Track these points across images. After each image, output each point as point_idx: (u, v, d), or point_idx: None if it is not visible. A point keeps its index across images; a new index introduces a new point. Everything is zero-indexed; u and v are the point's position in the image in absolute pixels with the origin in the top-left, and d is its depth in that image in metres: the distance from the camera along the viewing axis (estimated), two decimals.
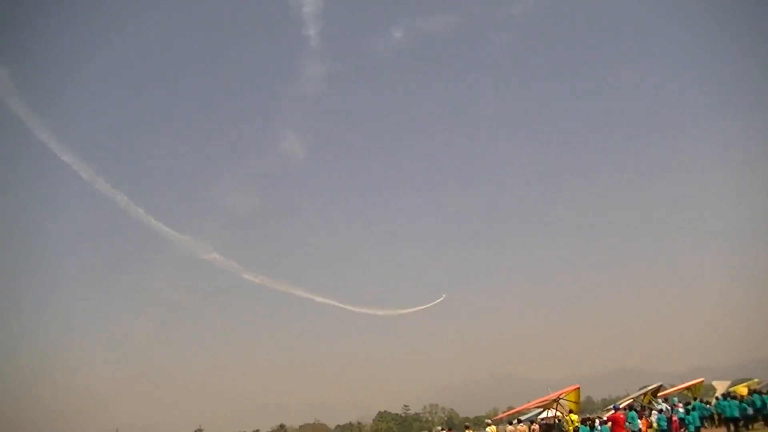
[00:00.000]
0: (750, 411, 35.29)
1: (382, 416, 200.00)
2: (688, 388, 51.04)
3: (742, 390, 44.92)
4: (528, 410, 47.58)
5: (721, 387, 51.22)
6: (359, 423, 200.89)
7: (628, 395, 59.25)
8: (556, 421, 39.71)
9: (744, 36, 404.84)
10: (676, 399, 45.12)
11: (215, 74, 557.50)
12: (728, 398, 36.96)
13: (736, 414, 34.62)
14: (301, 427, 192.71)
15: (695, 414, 37.29)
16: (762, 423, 36.03)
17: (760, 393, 39.24)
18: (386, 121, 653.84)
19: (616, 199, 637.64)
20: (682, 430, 38.08)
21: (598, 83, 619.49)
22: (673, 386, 56.08)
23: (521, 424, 43.08)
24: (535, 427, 41.96)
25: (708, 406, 40.72)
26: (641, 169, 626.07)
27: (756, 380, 56.34)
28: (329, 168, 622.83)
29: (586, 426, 31.98)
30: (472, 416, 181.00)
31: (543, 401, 40.75)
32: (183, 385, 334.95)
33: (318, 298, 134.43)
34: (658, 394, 47.75)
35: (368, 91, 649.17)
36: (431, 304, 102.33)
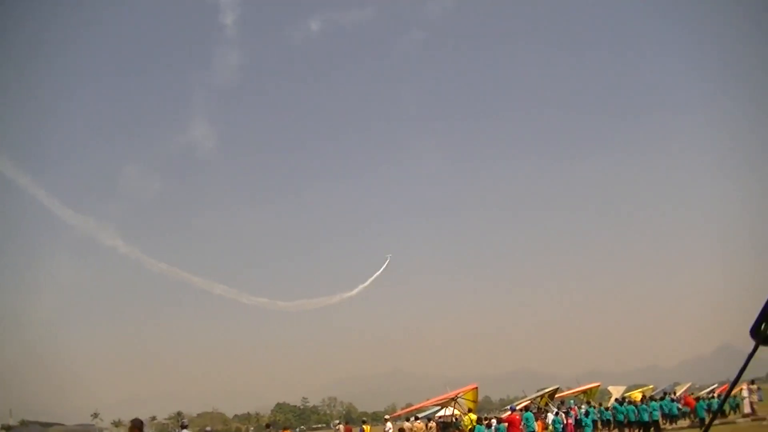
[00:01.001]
0: (647, 417, 35.52)
1: (280, 407, 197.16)
2: (584, 392, 51.44)
3: (637, 396, 45.61)
4: (426, 408, 46.56)
5: (616, 392, 52.02)
6: (257, 413, 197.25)
7: (526, 396, 59.45)
8: (454, 420, 38.75)
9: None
10: (572, 402, 45.12)
11: (125, 56, 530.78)
12: (625, 403, 37.06)
13: (646, 418, 34.80)
14: (199, 415, 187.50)
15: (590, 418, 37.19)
16: (653, 429, 36.29)
17: (653, 399, 39.80)
18: (300, 113, 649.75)
19: (518, 196, 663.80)
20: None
21: (507, 82, 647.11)
22: (569, 389, 56.54)
23: (419, 421, 41.76)
24: (433, 424, 40.86)
25: (606, 410, 40.90)
26: (547, 157, 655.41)
27: (651, 386, 57.88)
28: (239, 158, 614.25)
29: (482, 425, 30.80)
30: (370, 411, 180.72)
31: (441, 399, 39.76)
32: (78, 370, 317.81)
33: (216, 290, 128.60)
34: (555, 396, 47.76)
35: (283, 81, 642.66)
36: (380, 271, 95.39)
